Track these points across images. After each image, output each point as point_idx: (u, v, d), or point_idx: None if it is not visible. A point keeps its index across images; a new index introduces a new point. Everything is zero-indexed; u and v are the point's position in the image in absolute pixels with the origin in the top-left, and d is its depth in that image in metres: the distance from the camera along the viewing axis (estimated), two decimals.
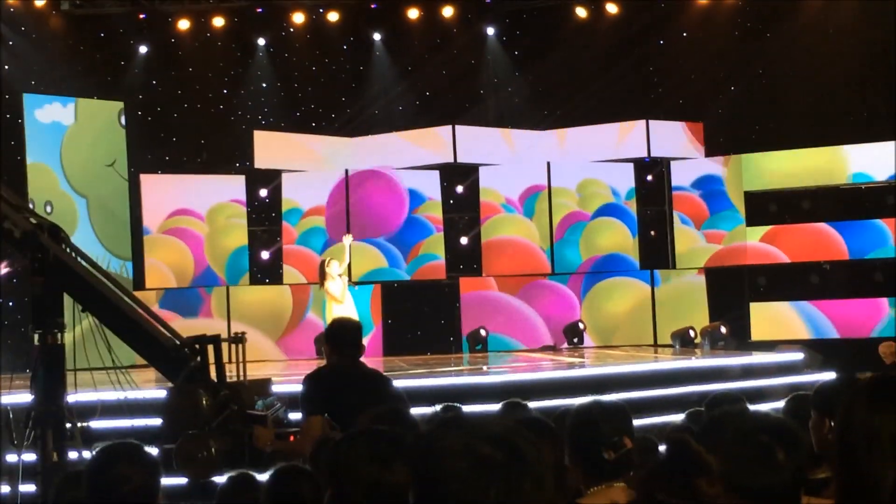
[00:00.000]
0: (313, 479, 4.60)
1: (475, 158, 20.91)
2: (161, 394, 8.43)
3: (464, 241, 21.21)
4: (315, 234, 20.32)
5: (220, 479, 5.26)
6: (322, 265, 16.44)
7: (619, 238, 20.72)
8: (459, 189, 21.33)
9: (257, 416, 6.71)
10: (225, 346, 7.50)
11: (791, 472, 3.10)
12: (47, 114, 18.93)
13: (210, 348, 7.03)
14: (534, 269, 20.60)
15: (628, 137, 20.74)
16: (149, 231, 19.68)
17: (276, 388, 8.76)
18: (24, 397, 7.56)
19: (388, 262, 20.44)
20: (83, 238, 18.69)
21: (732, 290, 20.08)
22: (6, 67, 19.15)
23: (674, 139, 20.78)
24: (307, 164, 20.62)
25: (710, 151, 20.64)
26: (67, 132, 19.07)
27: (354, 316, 16.27)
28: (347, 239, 17.65)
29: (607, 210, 20.77)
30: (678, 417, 8.08)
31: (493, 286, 20.45)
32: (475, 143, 20.81)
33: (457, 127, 20.62)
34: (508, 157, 20.92)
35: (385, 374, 7.60)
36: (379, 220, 20.51)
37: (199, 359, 6.86)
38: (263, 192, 20.81)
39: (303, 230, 20.36)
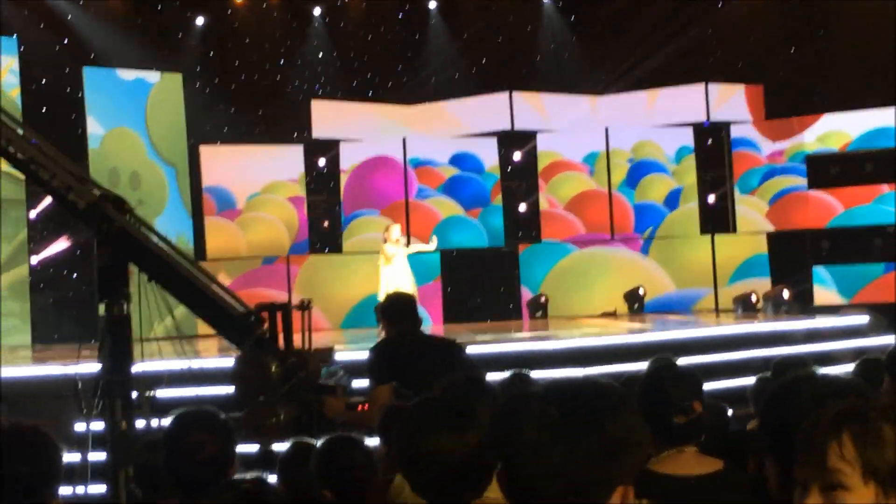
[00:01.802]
0: (364, 447, 4.60)
1: (532, 125, 20.82)
2: (226, 363, 8.49)
3: (522, 207, 21.16)
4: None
5: (283, 448, 5.28)
6: (386, 228, 16.72)
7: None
8: (517, 156, 21.25)
9: (327, 387, 6.72)
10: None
11: None
12: (129, 75, 19.10)
13: (278, 316, 7.04)
14: (605, 227, 20.51)
15: (686, 101, 20.53)
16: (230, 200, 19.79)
17: (337, 357, 8.80)
18: (92, 367, 7.63)
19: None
20: (173, 209, 18.93)
21: (794, 254, 19.87)
22: (66, 41, 19.26)
23: (733, 102, 20.56)
24: (364, 133, 20.62)
25: (770, 114, 20.40)
26: (149, 101, 19.23)
27: (407, 278, 16.41)
28: (433, 241, 17.73)
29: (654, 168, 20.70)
30: (746, 381, 8.02)
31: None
32: (532, 110, 20.70)
33: (514, 94, 20.53)
34: (565, 124, 20.79)
35: (456, 341, 7.58)
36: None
37: (266, 326, 6.88)
38: (322, 162, 20.84)
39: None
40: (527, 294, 20.14)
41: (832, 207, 19.67)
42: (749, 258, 20.02)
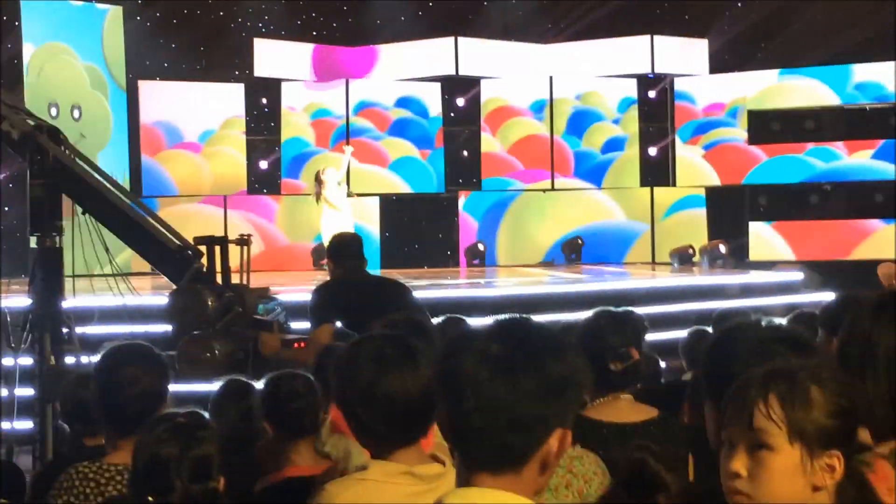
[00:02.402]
0: (310, 383, 4.56)
1: (477, 71, 20.72)
2: (161, 301, 8.39)
3: (464, 153, 21.11)
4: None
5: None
6: (317, 175, 16.34)
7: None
8: (461, 102, 21.15)
9: (263, 322, 6.66)
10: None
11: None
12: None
13: (216, 251, 6.98)
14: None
15: (631, 52, 20.53)
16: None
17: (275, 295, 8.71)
18: (22, 301, 7.52)
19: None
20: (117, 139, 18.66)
21: (732, 209, 20.00)
22: None
23: (678, 55, 20.58)
24: (306, 74, 20.42)
25: (715, 68, 20.46)
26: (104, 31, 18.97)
27: (351, 226, 16.20)
28: (348, 150, 17.55)
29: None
30: (679, 334, 8.05)
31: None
32: (477, 55, 20.59)
33: (459, 39, 20.40)
34: (510, 71, 20.72)
35: (403, 282, 7.47)
36: None
37: (203, 260, 6.81)
38: (263, 101, 20.64)
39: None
40: (465, 242, 20.12)
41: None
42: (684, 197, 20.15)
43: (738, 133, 20.03)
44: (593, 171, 20.62)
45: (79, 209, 6.56)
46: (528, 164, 20.61)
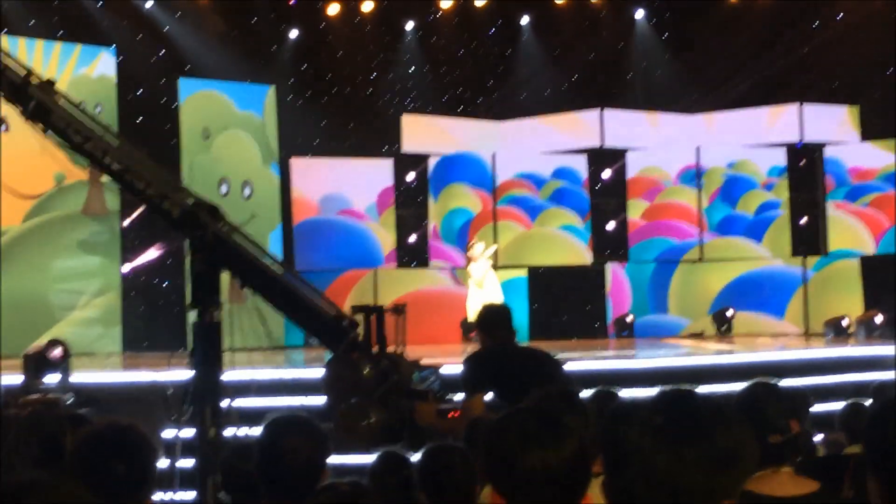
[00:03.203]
0: (466, 456, 4.59)
1: (623, 143, 20.72)
2: (316, 373, 8.49)
3: (611, 225, 21.07)
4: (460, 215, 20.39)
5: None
6: (467, 247, 16.53)
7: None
8: (607, 173, 21.16)
9: (419, 392, 6.68)
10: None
11: None
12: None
13: (372, 319, 7.07)
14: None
15: (779, 121, 20.31)
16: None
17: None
18: (182, 375, 7.70)
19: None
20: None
21: (889, 277, 19.50)
22: (163, 52, 19.54)
23: (828, 123, 20.29)
24: (455, 148, 20.65)
25: (867, 135, 20.11)
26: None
27: (497, 296, 16.26)
28: (491, 248, 17.70)
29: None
30: (835, 406, 7.87)
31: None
32: (623, 127, 20.60)
33: (605, 111, 20.45)
34: (656, 141, 20.67)
35: (553, 355, 7.43)
36: None
37: (359, 330, 6.90)
38: (411, 176, 20.90)
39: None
40: (615, 313, 20.03)
41: None
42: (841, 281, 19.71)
43: (891, 197, 19.62)
44: (750, 230, 20.39)
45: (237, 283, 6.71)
46: (677, 233, 20.48)
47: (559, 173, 20.68)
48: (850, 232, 20.03)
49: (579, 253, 20.45)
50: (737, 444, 2.16)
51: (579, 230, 20.50)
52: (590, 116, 20.49)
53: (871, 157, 19.97)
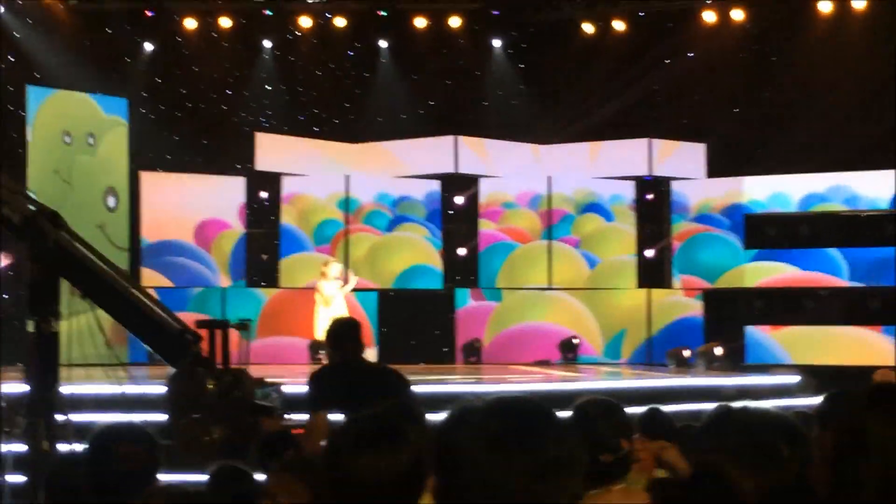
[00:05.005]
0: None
1: (477, 170, 20.88)
2: (158, 389, 8.36)
3: (461, 251, 21.19)
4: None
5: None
6: (322, 266, 16.51)
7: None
8: (460, 199, 21.28)
9: (264, 407, 6.62)
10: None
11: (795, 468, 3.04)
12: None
13: (217, 335, 6.99)
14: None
15: (630, 155, 20.67)
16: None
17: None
18: (17, 388, 7.51)
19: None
20: None
21: (729, 312, 19.98)
22: (10, 58, 19.10)
23: (676, 159, 20.72)
24: (308, 168, 20.55)
25: (713, 172, 20.57)
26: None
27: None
28: (353, 280, 17.65)
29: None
30: None
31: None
32: (477, 154, 20.75)
33: (459, 138, 20.58)
34: (509, 170, 20.87)
35: (400, 373, 7.38)
36: None
37: (203, 344, 6.83)
38: (263, 195, 20.75)
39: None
40: (462, 338, 20.13)
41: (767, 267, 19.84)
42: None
43: (731, 236, 20.09)
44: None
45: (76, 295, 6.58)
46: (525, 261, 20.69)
47: (412, 197, 20.73)
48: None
49: (431, 277, 20.52)
50: (567, 452, 2.17)
51: (431, 254, 20.57)
52: (444, 142, 20.60)
53: (715, 193, 20.39)
